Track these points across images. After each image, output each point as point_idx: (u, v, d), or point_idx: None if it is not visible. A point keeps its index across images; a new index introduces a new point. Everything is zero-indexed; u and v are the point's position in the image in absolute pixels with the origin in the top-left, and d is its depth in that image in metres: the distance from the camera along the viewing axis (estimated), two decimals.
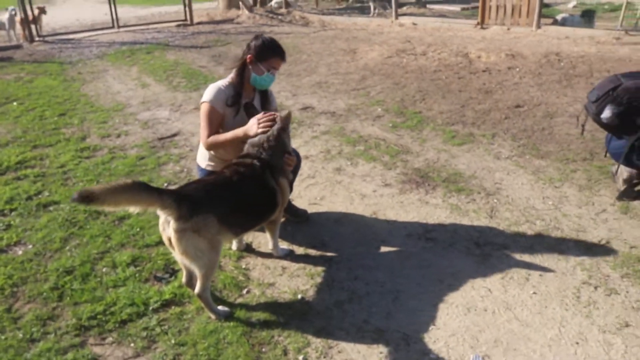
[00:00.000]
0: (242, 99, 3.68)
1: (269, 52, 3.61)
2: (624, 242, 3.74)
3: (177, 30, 15.88)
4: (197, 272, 2.98)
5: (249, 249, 3.86)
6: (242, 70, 3.68)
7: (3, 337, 3.01)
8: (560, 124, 6.14)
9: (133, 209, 2.75)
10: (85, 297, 3.33)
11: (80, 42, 14.20)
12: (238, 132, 3.45)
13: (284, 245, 3.87)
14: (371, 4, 18.51)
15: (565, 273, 3.43)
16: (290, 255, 3.76)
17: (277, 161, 3.39)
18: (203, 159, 3.90)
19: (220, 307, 3.17)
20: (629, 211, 4.15)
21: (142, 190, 2.72)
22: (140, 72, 10.20)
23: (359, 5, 21.76)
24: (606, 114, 4.09)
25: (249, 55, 3.62)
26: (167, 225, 2.88)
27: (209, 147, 3.64)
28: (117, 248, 3.89)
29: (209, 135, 3.56)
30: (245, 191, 3.19)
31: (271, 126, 3.35)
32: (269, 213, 3.42)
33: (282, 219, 3.82)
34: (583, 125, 4.57)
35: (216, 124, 3.63)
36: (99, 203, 2.58)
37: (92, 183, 5.01)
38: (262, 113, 3.46)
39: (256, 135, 3.36)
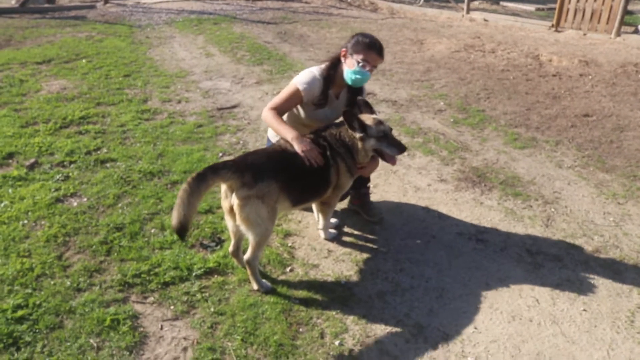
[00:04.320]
0: (330, 95, 3.58)
1: (363, 44, 3.40)
2: None
3: (245, 3, 15.97)
4: (252, 240, 3.01)
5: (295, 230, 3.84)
6: (335, 65, 3.53)
7: (52, 283, 3.11)
8: (631, 138, 5.85)
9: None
10: (132, 255, 3.40)
11: (150, 8, 14.47)
12: (286, 133, 3.27)
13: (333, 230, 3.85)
14: None
15: (620, 294, 3.26)
16: (336, 239, 3.73)
17: (343, 150, 3.34)
18: (274, 134, 3.75)
19: (264, 281, 3.19)
20: None
21: (200, 181, 2.76)
22: (206, 41, 10.30)
23: None
24: None
25: (343, 49, 3.48)
26: (229, 193, 2.92)
27: (264, 118, 3.47)
28: (167, 211, 3.94)
29: (274, 109, 3.41)
30: (303, 163, 3.16)
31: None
32: (323, 190, 3.38)
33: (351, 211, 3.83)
34: None
35: (291, 106, 3.54)
36: (190, 219, 2.76)
37: (149, 145, 5.09)
38: (317, 150, 3.25)
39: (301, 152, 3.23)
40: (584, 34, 11.99)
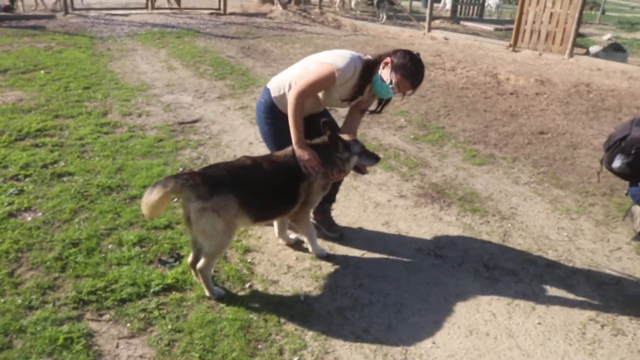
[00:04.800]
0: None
1: (407, 73, 3.25)
2: (636, 283, 3.65)
3: (209, 18, 15.93)
4: (207, 250, 3.02)
5: (254, 244, 3.83)
6: (372, 68, 3.37)
7: (2, 301, 3.01)
8: (583, 155, 6.04)
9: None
10: (88, 272, 3.32)
11: (112, 20, 14.29)
12: (294, 134, 3.28)
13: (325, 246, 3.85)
14: (377, 11, 18.53)
15: (573, 307, 3.35)
16: (329, 259, 3.72)
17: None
18: (277, 90, 3.56)
19: (216, 287, 3.20)
20: None
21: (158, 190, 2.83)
22: (168, 55, 10.22)
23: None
24: (616, 163, 4.20)
25: (388, 59, 3.30)
26: (187, 203, 2.93)
27: (289, 100, 3.29)
28: (125, 226, 3.88)
29: (302, 95, 3.26)
30: (268, 179, 3.21)
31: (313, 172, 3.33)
32: (289, 207, 3.40)
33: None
34: (599, 173, 4.59)
35: (321, 89, 3.40)
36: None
37: (108, 159, 5.01)
38: (318, 160, 3.34)
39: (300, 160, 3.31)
40: (540, 54, 12.38)
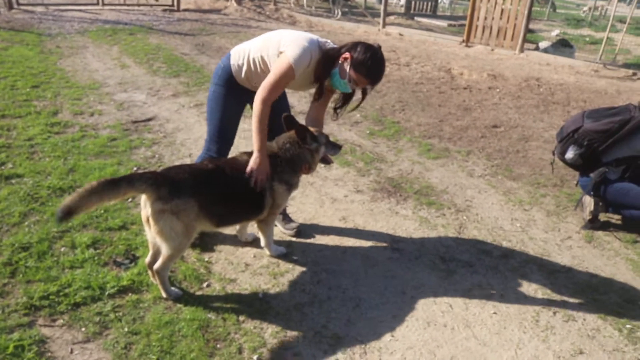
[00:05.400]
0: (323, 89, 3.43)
1: (365, 71, 3.17)
2: (586, 270, 3.78)
3: (162, 14, 15.67)
4: (164, 252, 2.98)
5: (211, 244, 3.79)
6: (331, 62, 3.26)
7: None
8: (535, 148, 6.21)
9: (115, 202, 2.79)
10: (39, 276, 3.23)
11: (61, 16, 13.89)
12: (256, 143, 3.23)
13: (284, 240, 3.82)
14: (332, 7, 18.65)
15: (527, 296, 3.45)
16: (284, 255, 3.70)
17: (283, 167, 3.35)
18: (237, 58, 3.52)
19: (173, 288, 3.16)
20: (592, 240, 4.21)
21: (111, 187, 2.72)
22: (120, 52, 10.01)
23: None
24: (569, 154, 4.37)
25: (348, 54, 3.18)
26: (146, 204, 2.88)
27: (255, 110, 3.21)
28: (78, 228, 3.79)
29: (268, 101, 3.21)
30: (232, 184, 3.18)
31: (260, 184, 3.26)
32: (255, 212, 3.38)
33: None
34: (552, 164, 4.76)
35: (284, 87, 3.32)
36: (78, 212, 2.69)
37: (59, 160, 4.87)
38: (267, 174, 3.28)
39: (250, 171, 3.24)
40: (492, 50, 12.65)
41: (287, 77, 3.21)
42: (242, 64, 3.47)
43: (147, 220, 2.92)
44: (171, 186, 2.89)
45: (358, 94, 3.52)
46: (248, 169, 3.22)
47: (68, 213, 2.62)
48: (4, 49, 9.35)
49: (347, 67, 3.20)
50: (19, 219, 3.85)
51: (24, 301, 3.00)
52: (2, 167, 4.66)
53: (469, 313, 3.25)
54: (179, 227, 2.90)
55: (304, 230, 4.04)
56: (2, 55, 8.85)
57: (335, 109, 3.56)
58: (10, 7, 13.78)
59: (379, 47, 3.24)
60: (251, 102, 3.36)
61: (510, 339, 3.05)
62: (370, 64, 3.17)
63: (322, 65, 3.29)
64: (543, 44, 13.40)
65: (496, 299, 3.40)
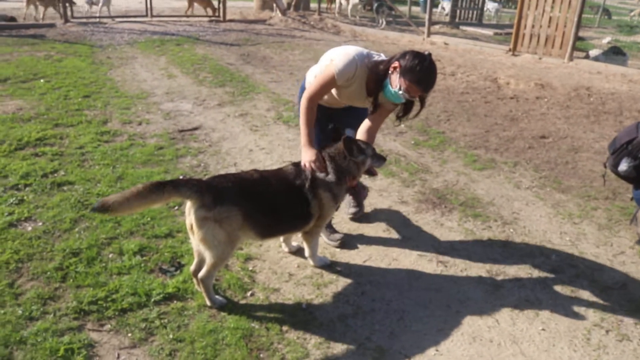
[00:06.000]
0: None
1: (415, 77, 3.15)
2: None
3: (208, 25, 15.98)
4: (208, 260, 3.01)
5: (256, 252, 3.81)
6: (381, 74, 3.31)
7: (2, 312, 2.99)
8: (585, 159, 6.03)
9: (157, 206, 2.84)
10: (89, 281, 3.31)
11: (112, 28, 14.33)
12: (302, 137, 3.42)
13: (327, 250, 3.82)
14: (376, 16, 18.60)
15: (577, 313, 3.33)
16: (327, 265, 3.69)
17: (330, 178, 3.34)
18: (308, 79, 3.79)
19: (217, 297, 3.18)
20: None
21: (156, 190, 2.78)
22: (168, 62, 10.24)
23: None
24: (622, 167, 4.14)
25: (397, 62, 3.21)
26: (190, 211, 2.92)
27: (301, 106, 3.50)
28: (125, 235, 3.87)
29: (311, 100, 3.42)
30: (278, 195, 3.19)
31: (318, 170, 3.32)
32: (301, 224, 3.38)
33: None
34: (604, 176, 4.61)
35: (327, 92, 3.51)
36: (116, 212, 2.78)
37: (108, 168, 5.00)
38: (321, 158, 3.35)
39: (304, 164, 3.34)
40: (539, 58, 12.39)
41: (328, 83, 3.40)
42: (310, 82, 3.65)
43: (191, 227, 2.95)
44: (215, 194, 2.91)
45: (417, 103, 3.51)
46: (302, 164, 3.34)
47: (105, 209, 2.70)
48: (59, 61, 9.70)
49: (396, 76, 3.21)
50: (70, 225, 3.96)
51: (74, 305, 3.08)
52: (55, 175, 4.81)
53: (516, 329, 3.16)
54: (222, 235, 2.92)
55: (348, 241, 4.02)
56: (57, 67, 9.18)
57: (397, 116, 3.58)
58: (66, 21, 14.29)
59: (429, 54, 3.21)
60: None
61: (560, 357, 2.95)
62: (419, 69, 3.14)
63: (372, 78, 3.36)
64: (594, 52, 13.05)
65: (545, 315, 3.29)
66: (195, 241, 3.00)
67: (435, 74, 3.25)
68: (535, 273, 3.74)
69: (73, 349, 2.76)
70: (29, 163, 4.98)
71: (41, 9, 15.23)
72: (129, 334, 2.92)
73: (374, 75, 3.35)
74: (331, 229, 4.02)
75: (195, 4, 17.70)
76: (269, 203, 3.14)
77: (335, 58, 3.37)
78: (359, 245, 3.99)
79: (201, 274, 3.08)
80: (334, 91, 3.57)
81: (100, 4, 15.77)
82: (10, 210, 4.10)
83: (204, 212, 2.87)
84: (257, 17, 18.01)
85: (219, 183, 3.03)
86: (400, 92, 3.22)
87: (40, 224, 3.97)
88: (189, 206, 2.94)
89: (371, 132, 3.61)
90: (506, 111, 7.91)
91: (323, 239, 3.99)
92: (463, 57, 12.54)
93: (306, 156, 3.34)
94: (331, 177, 3.33)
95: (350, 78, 3.35)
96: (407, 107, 3.51)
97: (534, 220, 4.54)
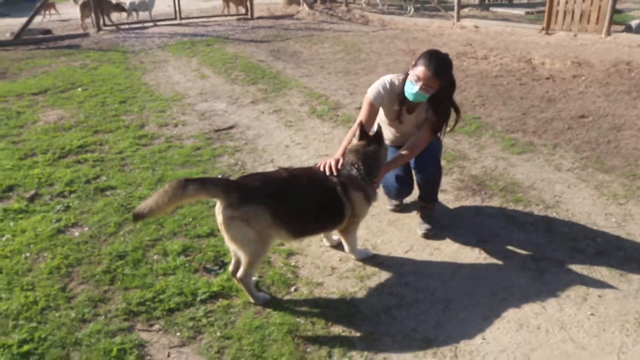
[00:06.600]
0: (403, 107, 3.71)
1: (421, 58, 3.40)
2: None
3: (237, 23, 16.09)
4: (243, 259, 3.04)
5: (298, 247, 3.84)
6: (405, 77, 3.55)
7: (57, 315, 3.10)
8: (628, 137, 5.86)
9: (189, 202, 2.90)
10: (136, 283, 3.39)
11: (143, 33, 14.57)
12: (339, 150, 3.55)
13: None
14: (404, 4, 18.38)
15: (627, 296, 3.24)
16: (369, 258, 3.69)
17: (359, 176, 3.34)
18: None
19: (261, 293, 3.22)
20: None
21: (183, 188, 2.82)
22: (199, 63, 10.36)
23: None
24: None
25: (414, 61, 3.46)
26: (219, 211, 2.96)
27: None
28: (168, 236, 3.95)
29: (361, 124, 3.56)
30: (308, 193, 3.19)
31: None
32: (333, 223, 3.39)
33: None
34: None
35: (372, 118, 3.68)
36: (152, 215, 2.90)
37: (148, 171, 5.11)
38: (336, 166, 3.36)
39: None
40: (575, 35, 12.07)
41: (369, 111, 3.65)
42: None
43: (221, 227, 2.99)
44: (242, 193, 2.92)
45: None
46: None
47: (141, 216, 2.84)
48: (94, 69, 9.93)
49: (412, 71, 3.45)
50: (115, 229, 4.06)
51: (124, 307, 3.16)
52: (97, 180, 4.94)
53: (563, 314, 3.10)
54: (251, 234, 2.94)
55: (390, 232, 4.02)
56: (93, 75, 9.40)
57: (436, 129, 3.80)
58: (99, 29, 14.60)
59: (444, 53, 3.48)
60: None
61: (612, 342, 2.88)
62: (426, 53, 3.40)
63: (401, 86, 3.59)
64: (635, 23, 12.60)
65: (593, 299, 3.22)
66: (226, 241, 3.04)
67: (445, 58, 3.41)
68: (581, 257, 3.67)
69: (125, 349, 2.84)
70: (72, 170, 5.12)
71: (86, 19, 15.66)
72: (178, 333, 2.98)
73: (402, 84, 3.57)
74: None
75: (231, 3, 17.91)
76: (298, 202, 3.13)
77: (369, 90, 3.66)
78: (399, 236, 3.98)
79: (239, 273, 3.11)
80: (391, 130, 3.89)
81: (149, 9, 16.24)
82: (58, 217, 4.23)
83: (230, 211, 2.89)
84: (285, 13, 18.05)
85: (247, 182, 3.05)
86: (414, 80, 3.38)
87: (87, 229, 4.09)
88: (217, 205, 2.97)
89: (417, 145, 3.76)
90: (542, 92, 7.74)
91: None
92: (495, 39, 12.31)
93: (333, 157, 3.40)
94: (361, 172, 3.33)
95: (386, 99, 3.64)
96: (435, 109, 3.64)
97: (577, 202, 4.44)
